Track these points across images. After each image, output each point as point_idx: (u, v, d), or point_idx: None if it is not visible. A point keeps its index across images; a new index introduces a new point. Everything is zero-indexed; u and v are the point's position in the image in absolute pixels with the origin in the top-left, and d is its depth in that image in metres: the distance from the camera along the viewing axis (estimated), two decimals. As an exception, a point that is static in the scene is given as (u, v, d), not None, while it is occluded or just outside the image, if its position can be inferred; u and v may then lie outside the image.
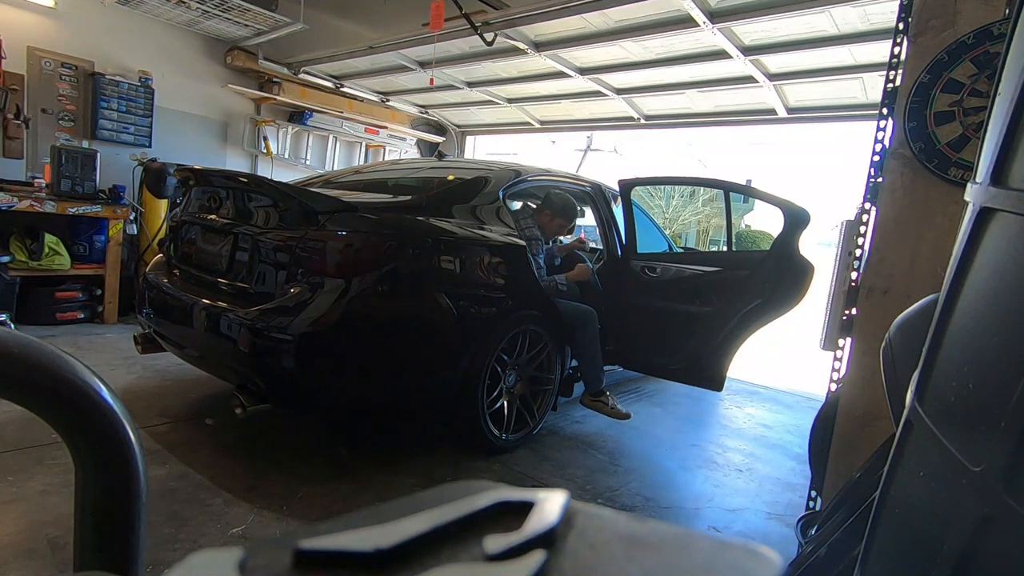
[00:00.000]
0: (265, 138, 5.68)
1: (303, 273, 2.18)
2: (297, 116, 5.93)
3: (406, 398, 2.41)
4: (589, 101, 5.28)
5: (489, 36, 3.79)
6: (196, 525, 1.82)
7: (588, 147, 9.01)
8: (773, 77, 4.06)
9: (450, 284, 2.39)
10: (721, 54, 3.74)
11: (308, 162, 6.12)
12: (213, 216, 2.55)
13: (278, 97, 5.54)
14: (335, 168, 6.31)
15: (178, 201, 3.05)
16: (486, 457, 2.64)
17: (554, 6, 3.42)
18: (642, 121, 5.49)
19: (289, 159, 6.00)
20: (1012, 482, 0.47)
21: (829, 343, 1.96)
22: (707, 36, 3.47)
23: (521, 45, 4.05)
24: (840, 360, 2.00)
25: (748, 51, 3.67)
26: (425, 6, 3.58)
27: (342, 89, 5.88)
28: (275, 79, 5.53)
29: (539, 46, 4.14)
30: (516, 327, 2.68)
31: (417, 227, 2.35)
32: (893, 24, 3.15)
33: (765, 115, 4.78)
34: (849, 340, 1.95)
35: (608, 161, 24.47)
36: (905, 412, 0.67)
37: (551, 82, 4.91)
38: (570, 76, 4.58)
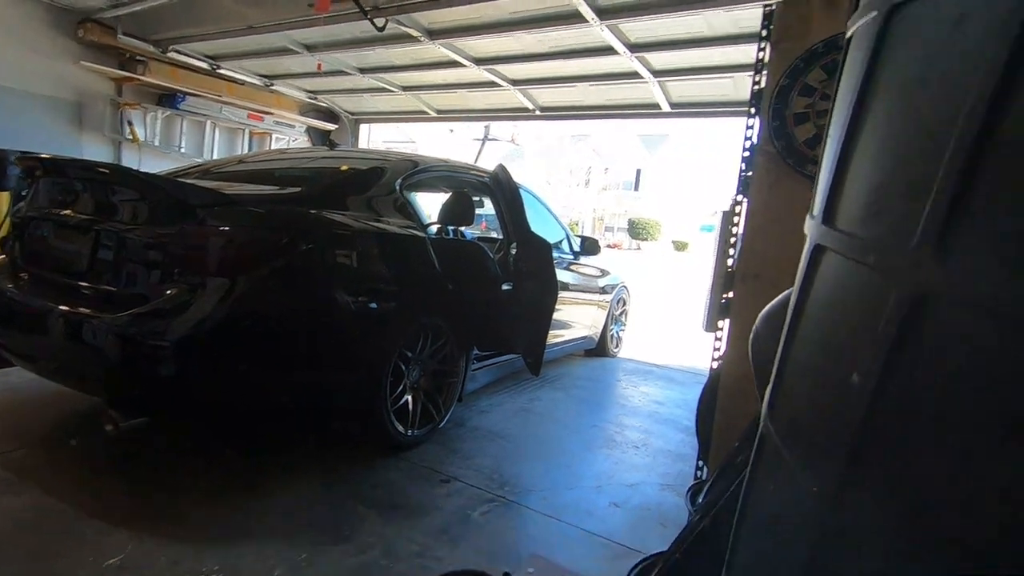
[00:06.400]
0: (130, 122, 5.12)
1: (181, 273, 2.00)
2: (168, 99, 5.41)
3: (302, 400, 2.31)
4: (486, 91, 5.28)
5: (380, 21, 3.67)
6: (66, 562, 1.63)
7: (486, 137, 9.03)
8: (657, 74, 4.30)
9: (347, 279, 2.31)
10: (609, 50, 3.90)
11: (183, 149, 5.61)
12: (68, 211, 2.26)
13: (143, 77, 5.02)
14: (215, 156, 5.84)
15: (23, 194, 2.67)
16: (393, 454, 2.59)
17: (445, -6, 3.38)
18: (537, 112, 5.59)
19: (160, 146, 5.46)
20: (842, 505, 0.52)
21: (710, 325, 2.13)
22: (596, 32, 3.60)
23: (414, 32, 3.96)
24: (720, 340, 2.18)
25: (634, 48, 3.85)
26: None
27: (219, 71, 5.43)
28: (139, 57, 4.99)
29: (432, 34, 4.07)
30: (418, 322, 2.65)
31: (309, 220, 2.24)
32: (759, 30, 3.46)
33: (651, 109, 5.05)
34: (727, 322, 2.12)
35: (506, 150, 24.67)
36: (760, 425, 0.72)
37: (446, 71, 4.85)
38: (465, 66, 4.56)
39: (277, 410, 2.30)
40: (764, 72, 2.09)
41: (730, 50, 3.73)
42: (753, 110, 2.09)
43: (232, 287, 1.99)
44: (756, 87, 2.08)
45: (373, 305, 2.40)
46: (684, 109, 4.93)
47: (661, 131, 33.40)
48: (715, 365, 2.23)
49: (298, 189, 2.45)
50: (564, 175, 34.31)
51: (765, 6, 2.06)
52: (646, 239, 34.92)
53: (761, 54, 2.08)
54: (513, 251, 3.34)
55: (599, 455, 2.93)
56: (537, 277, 2.98)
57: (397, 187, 2.75)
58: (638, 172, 36.22)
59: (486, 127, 8.49)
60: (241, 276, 2.01)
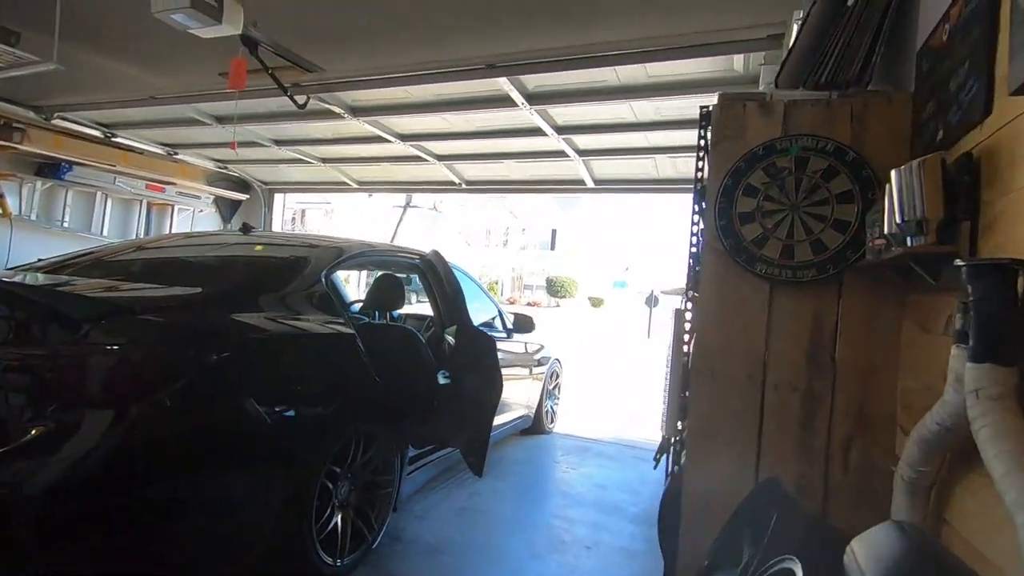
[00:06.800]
0: (0, 195, 4.50)
1: (55, 404, 1.63)
2: (49, 168, 4.84)
3: (207, 544, 1.92)
4: (410, 165, 5.18)
5: (301, 99, 3.49)
6: None
7: (408, 204, 8.90)
8: (582, 153, 4.39)
9: (262, 395, 2.00)
10: (537, 131, 3.94)
11: (67, 224, 5.01)
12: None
13: (20, 146, 4.47)
14: (105, 230, 5.27)
15: None
16: (318, 591, 2.22)
17: (372, 75, 3.28)
18: (463, 186, 5.55)
19: (39, 220, 4.84)
20: None
21: (670, 428, 2.02)
22: (525, 115, 3.62)
23: (336, 109, 3.81)
24: (680, 442, 2.07)
25: (561, 130, 3.92)
26: (221, 53, 3.16)
27: (114, 139, 4.96)
28: (17, 124, 4.45)
29: (356, 111, 3.94)
30: (348, 429, 2.35)
31: (219, 330, 1.94)
32: (679, 117, 3.62)
33: (576, 184, 5.15)
34: (686, 422, 2.03)
35: (426, 215, 24.60)
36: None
37: (370, 145, 4.72)
38: (390, 141, 4.44)
39: (177, 559, 1.90)
40: (704, 169, 2.10)
41: (651, 135, 3.88)
42: (697, 207, 2.09)
43: (121, 418, 1.64)
44: (700, 184, 2.08)
45: (293, 422, 2.10)
46: (607, 185, 5.07)
47: (575, 193, 35.10)
48: (676, 469, 2.11)
49: (201, 289, 2.15)
50: (482, 236, 34.79)
51: (702, 107, 2.10)
52: (564, 296, 35.75)
53: (701, 153, 2.10)
54: (449, 339, 3.15)
55: (550, 563, 2.70)
56: (479, 371, 2.79)
57: (321, 279, 2.51)
58: (554, 232, 37.44)
59: (408, 195, 8.37)
60: (134, 404, 1.67)
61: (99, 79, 4.25)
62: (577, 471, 4.20)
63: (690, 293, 2.06)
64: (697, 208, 2.08)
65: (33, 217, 4.76)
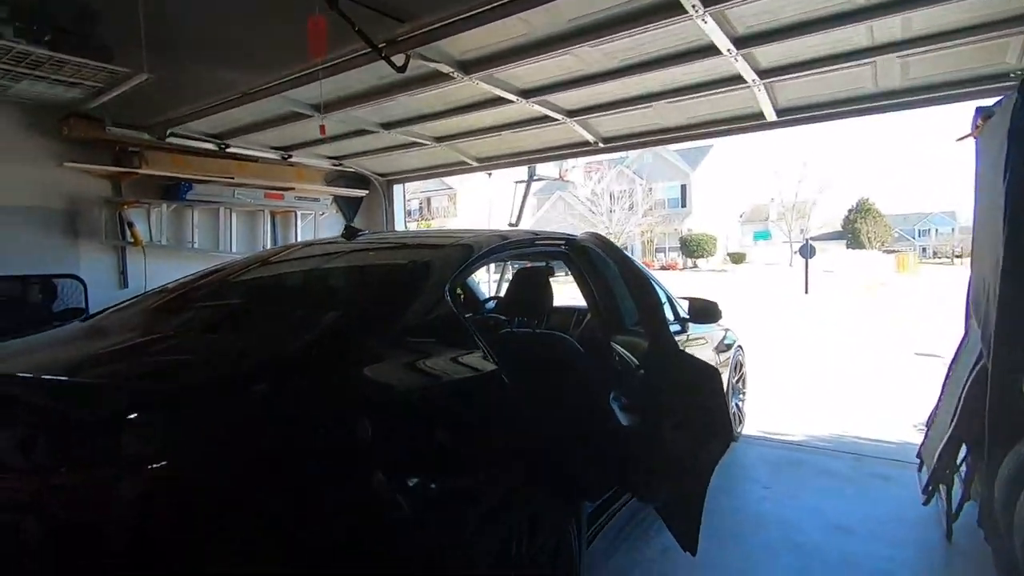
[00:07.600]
0: (130, 224, 4.42)
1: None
2: (173, 190, 4.71)
3: None
4: (534, 128, 4.33)
5: (399, 60, 2.77)
6: None
7: (531, 176, 8.05)
8: (764, 74, 3.23)
9: (393, 486, 1.31)
10: (707, 50, 2.88)
11: (195, 244, 4.88)
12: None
13: (141, 170, 4.32)
14: (233, 247, 5.11)
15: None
16: None
17: (481, 7, 2.45)
18: (600, 145, 4.59)
19: (170, 244, 4.75)
20: None
21: None
22: (691, 27, 2.60)
23: (444, 68, 3.06)
24: None
25: (741, 42, 2.82)
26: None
27: (228, 150, 4.70)
28: (133, 148, 4.30)
29: (467, 66, 3.15)
30: (503, 516, 1.60)
31: (322, 404, 1.26)
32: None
33: (750, 120, 3.97)
34: None
35: (545, 190, 23.63)
36: None
37: (487, 111, 3.94)
38: (510, 101, 3.62)
39: None
40: None
41: (881, 24, 2.65)
42: None
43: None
44: None
45: (430, 536, 1.38)
46: (796, 115, 3.82)
47: (703, 143, 31.91)
48: None
49: (300, 341, 1.49)
50: (606, 202, 33.19)
51: None
52: (701, 256, 33.15)
53: None
54: (620, 349, 2.29)
55: None
56: (692, 412, 1.90)
57: (445, 295, 1.75)
58: (683, 188, 34.73)
59: (530, 167, 7.54)
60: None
61: (197, 89, 3.91)
62: (797, 501, 3.16)
63: None
64: None
65: (164, 242, 4.66)
